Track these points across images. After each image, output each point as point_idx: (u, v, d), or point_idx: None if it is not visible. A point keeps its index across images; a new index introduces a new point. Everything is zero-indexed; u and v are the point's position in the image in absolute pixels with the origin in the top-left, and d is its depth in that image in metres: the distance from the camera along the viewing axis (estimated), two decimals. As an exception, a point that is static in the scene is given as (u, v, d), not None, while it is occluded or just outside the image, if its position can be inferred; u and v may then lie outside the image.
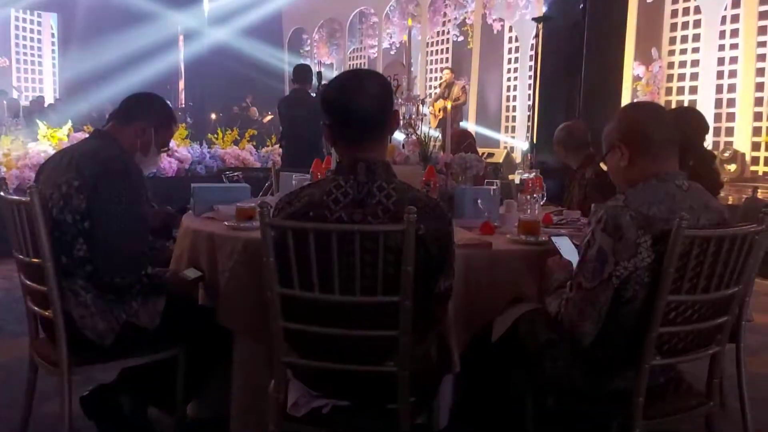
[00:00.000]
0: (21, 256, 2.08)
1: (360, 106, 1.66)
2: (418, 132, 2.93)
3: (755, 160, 8.27)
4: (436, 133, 3.06)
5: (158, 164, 2.56)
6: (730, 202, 6.50)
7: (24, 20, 17.57)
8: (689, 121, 2.98)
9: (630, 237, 1.64)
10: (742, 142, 8.27)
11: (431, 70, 12.86)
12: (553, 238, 2.14)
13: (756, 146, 8.25)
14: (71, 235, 2.01)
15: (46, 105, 14.20)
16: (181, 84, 15.61)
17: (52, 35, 17.30)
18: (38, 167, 2.22)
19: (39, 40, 17.88)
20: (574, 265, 1.94)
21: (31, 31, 17.82)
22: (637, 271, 1.65)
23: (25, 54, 17.73)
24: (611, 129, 1.86)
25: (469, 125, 11.00)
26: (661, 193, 1.71)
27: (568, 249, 2.09)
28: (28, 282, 2.10)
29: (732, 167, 8.05)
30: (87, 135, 2.34)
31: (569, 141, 3.59)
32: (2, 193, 2.10)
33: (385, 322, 1.62)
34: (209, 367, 2.30)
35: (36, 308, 2.11)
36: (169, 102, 2.44)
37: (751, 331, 2.60)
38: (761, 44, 8.09)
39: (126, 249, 2.03)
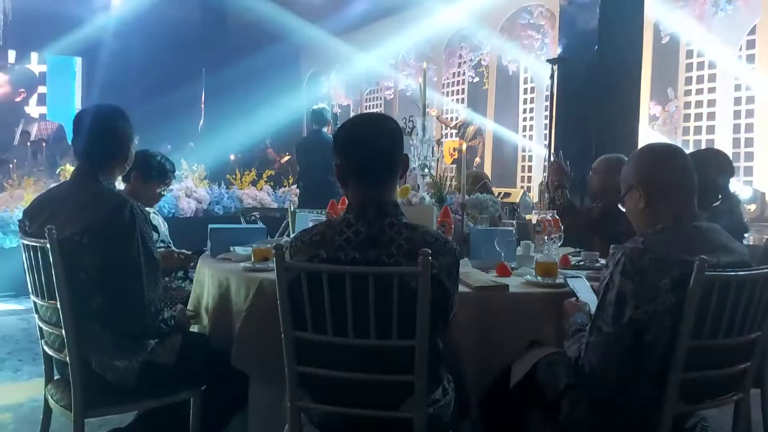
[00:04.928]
0: (37, 299, 2.08)
1: (371, 148, 1.70)
2: (433, 173, 2.93)
3: (776, 200, 8.17)
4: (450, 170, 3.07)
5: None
6: (751, 243, 6.40)
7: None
8: (713, 162, 2.96)
9: (649, 280, 1.61)
10: (762, 181, 8.19)
11: (447, 110, 12.97)
12: (569, 280, 2.11)
13: (776, 186, 8.16)
14: (86, 290, 1.98)
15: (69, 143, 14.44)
16: (200, 123, 15.83)
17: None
18: (37, 202, 2.16)
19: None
20: (591, 305, 1.91)
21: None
22: (658, 314, 1.62)
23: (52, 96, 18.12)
24: (628, 171, 1.85)
25: (486, 164, 11.04)
26: (679, 234, 1.69)
27: (584, 290, 2.06)
28: (44, 324, 2.09)
29: (752, 207, 7.95)
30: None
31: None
32: (21, 235, 2.12)
33: (401, 366, 1.60)
34: (226, 411, 2.27)
35: (51, 352, 2.10)
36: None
37: (777, 376, 2.52)
38: (778, 83, 8.07)
39: (142, 299, 2.00)
